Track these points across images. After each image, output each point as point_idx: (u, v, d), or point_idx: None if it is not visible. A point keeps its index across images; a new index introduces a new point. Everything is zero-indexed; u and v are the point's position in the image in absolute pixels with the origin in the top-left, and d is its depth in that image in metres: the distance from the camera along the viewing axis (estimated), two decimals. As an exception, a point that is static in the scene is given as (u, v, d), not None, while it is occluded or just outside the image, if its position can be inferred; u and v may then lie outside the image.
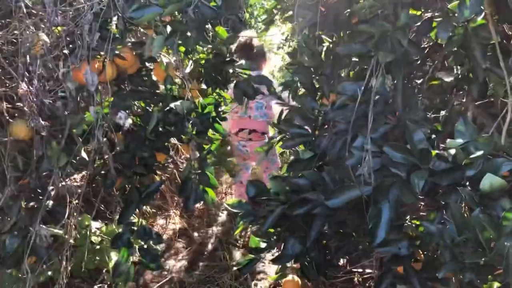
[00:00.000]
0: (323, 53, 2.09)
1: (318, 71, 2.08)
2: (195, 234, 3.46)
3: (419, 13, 1.67)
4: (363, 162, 1.46)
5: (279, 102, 2.37)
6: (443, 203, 1.36)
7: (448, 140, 1.36)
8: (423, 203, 1.52)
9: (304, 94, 2.12)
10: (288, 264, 2.30)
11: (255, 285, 2.92)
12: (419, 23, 1.57)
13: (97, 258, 2.76)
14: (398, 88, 1.49)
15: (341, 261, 2.65)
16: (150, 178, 2.29)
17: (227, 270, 3.01)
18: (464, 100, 1.61)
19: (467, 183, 1.27)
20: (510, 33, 1.44)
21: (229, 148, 3.20)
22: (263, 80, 2.34)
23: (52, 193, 2.00)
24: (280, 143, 2.25)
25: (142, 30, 1.99)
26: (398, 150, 1.38)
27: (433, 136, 1.44)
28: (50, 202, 2.03)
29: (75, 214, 2.14)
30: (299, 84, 2.23)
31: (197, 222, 3.59)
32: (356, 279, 2.65)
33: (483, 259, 1.06)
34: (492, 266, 1.09)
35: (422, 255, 1.46)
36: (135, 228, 2.18)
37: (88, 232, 2.62)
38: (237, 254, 3.25)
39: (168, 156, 2.36)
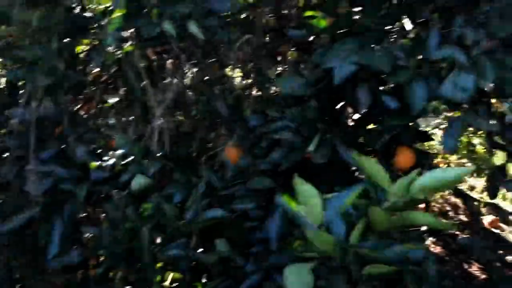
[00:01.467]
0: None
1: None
2: None
3: (86, 41, 1.82)
4: (33, 184, 1.49)
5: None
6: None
7: (110, 151, 1.51)
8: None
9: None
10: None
11: None
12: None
13: None
14: (63, 110, 1.59)
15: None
16: None
17: None
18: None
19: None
20: (153, 57, 1.71)
21: None
22: None
23: None
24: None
25: None
26: (64, 167, 1.46)
27: (99, 151, 1.58)
28: None
29: None
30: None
31: None
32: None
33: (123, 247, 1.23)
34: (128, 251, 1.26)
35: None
36: None
37: None
38: None
39: None
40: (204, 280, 1.45)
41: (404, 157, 1.65)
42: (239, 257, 1.45)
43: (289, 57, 2.14)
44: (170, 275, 1.51)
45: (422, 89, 1.37)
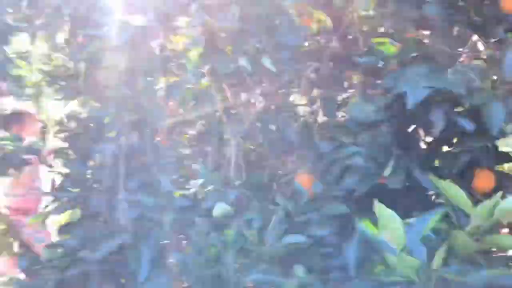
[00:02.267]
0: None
1: (86, 135, 2.20)
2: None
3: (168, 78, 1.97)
4: (123, 213, 1.60)
5: (51, 170, 2.39)
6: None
7: (191, 181, 1.61)
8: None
9: (74, 159, 2.20)
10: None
11: None
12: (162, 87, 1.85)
13: None
14: (148, 143, 1.71)
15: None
16: None
17: None
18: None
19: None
20: (228, 90, 1.80)
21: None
22: (32, 149, 2.34)
23: None
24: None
25: None
26: (150, 196, 1.57)
27: (181, 180, 1.68)
28: None
29: None
30: (69, 152, 2.31)
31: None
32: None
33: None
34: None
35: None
36: None
37: None
38: None
39: None
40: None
41: (484, 180, 1.61)
42: (318, 283, 1.47)
43: (357, 83, 2.17)
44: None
45: (499, 110, 1.35)
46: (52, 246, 1.92)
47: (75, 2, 1.83)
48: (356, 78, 2.11)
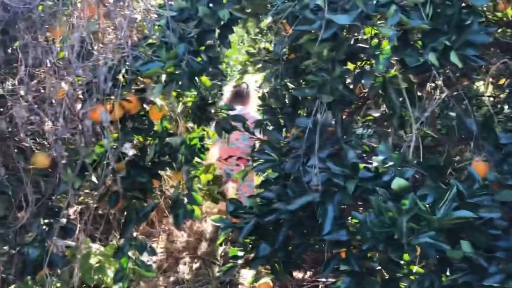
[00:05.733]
0: (286, 97, 2.65)
1: (282, 111, 2.64)
2: (181, 254, 3.87)
3: (353, 66, 2.25)
4: (314, 176, 1.97)
5: (252, 136, 2.91)
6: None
7: (373, 157, 1.89)
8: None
9: (271, 129, 2.66)
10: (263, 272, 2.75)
11: (235, 294, 3.35)
12: (353, 74, 2.14)
13: (96, 276, 3.15)
14: (338, 121, 2.04)
15: (308, 273, 3.11)
16: (146, 201, 2.74)
17: (209, 283, 3.44)
18: (389, 130, 2.17)
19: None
20: (415, 80, 2.01)
21: (217, 172, 3.68)
22: (238, 118, 2.87)
23: (65, 212, 2.44)
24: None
25: (142, 79, 2.50)
26: (337, 165, 1.90)
27: (363, 155, 1.97)
28: (64, 220, 2.46)
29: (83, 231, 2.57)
30: (268, 122, 2.78)
31: (183, 244, 4.01)
32: (320, 286, 3.11)
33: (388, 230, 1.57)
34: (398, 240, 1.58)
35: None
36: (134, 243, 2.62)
37: (89, 252, 3.02)
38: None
39: (158, 184, 2.82)
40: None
41: None
42: (483, 259, 1.64)
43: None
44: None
45: None
46: (253, 196, 2.40)
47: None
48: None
